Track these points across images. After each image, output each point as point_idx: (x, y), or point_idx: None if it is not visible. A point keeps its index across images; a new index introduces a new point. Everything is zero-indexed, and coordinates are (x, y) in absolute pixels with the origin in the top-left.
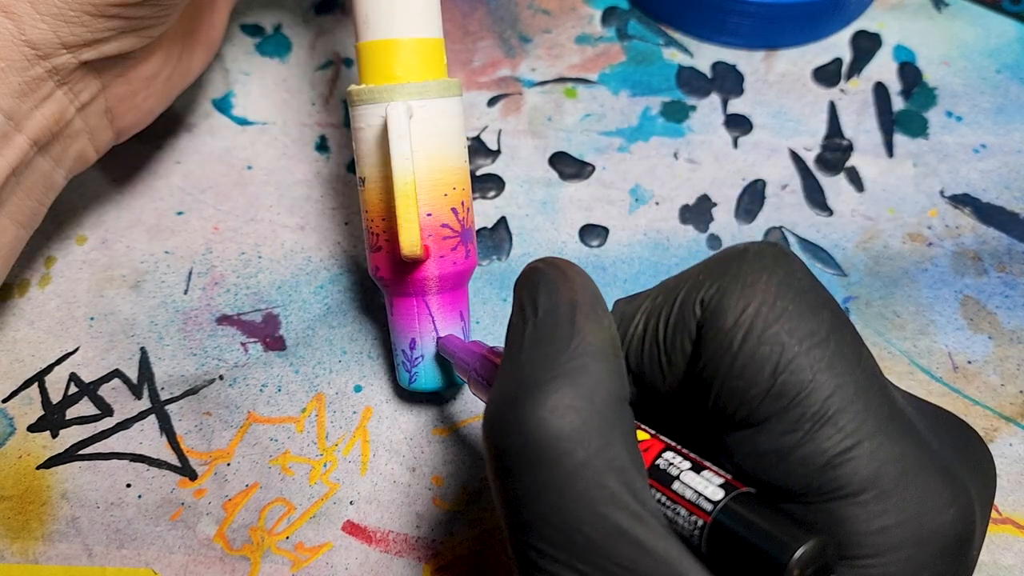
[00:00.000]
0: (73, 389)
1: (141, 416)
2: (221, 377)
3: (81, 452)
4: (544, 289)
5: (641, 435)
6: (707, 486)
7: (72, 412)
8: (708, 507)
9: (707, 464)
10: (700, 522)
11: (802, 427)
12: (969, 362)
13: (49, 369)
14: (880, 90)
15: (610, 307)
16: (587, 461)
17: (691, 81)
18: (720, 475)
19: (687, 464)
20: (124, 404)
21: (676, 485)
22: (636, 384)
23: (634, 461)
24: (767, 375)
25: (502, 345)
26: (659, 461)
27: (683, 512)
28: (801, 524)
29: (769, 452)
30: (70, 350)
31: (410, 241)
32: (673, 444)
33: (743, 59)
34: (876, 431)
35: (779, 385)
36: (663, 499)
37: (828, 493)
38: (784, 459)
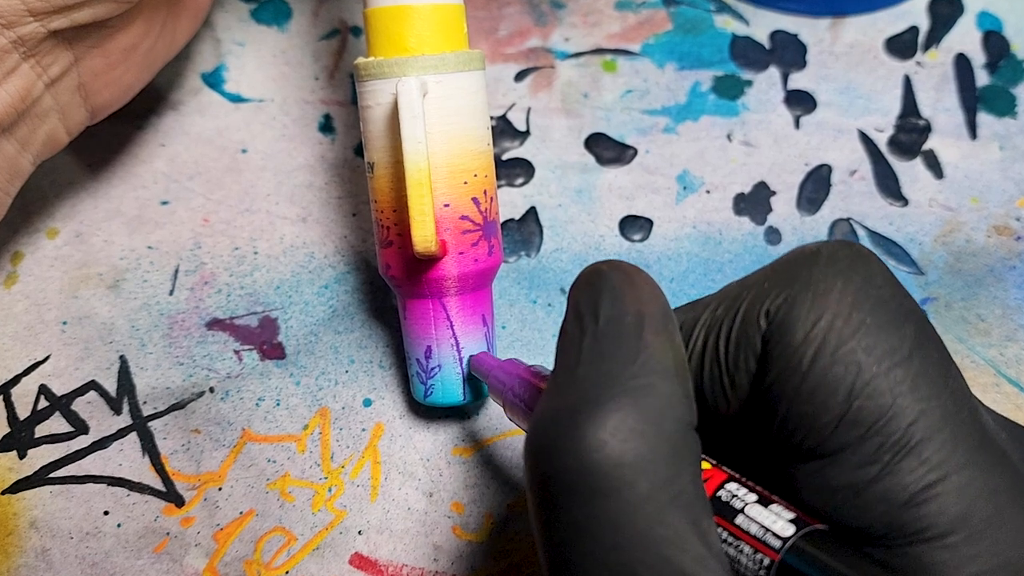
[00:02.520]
0: (43, 403)
1: (120, 434)
2: (212, 389)
3: (52, 475)
4: (608, 296)
5: (703, 464)
6: (776, 520)
7: (42, 429)
8: (776, 544)
9: (774, 498)
10: (767, 560)
11: (881, 459)
12: None
13: (16, 380)
14: (962, 63)
15: None
16: (651, 494)
17: (747, 52)
18: (790, 509)
19: (753, 497)
20: (101, 420)
21: (740, 519)
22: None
23: (700, 495)
24: (841, 399)
25: (541, 365)
26: (721, 492)
27: (747, 550)
28: (882, 566)
29: (843, 487)
30: (40, 359)
31: (424, 236)
32: (736, 475)
33: (806, 27)
34: (966, 463)
35: (855, 411)
36: (725, 535)
37: (911, 534)
38: (860, 495)
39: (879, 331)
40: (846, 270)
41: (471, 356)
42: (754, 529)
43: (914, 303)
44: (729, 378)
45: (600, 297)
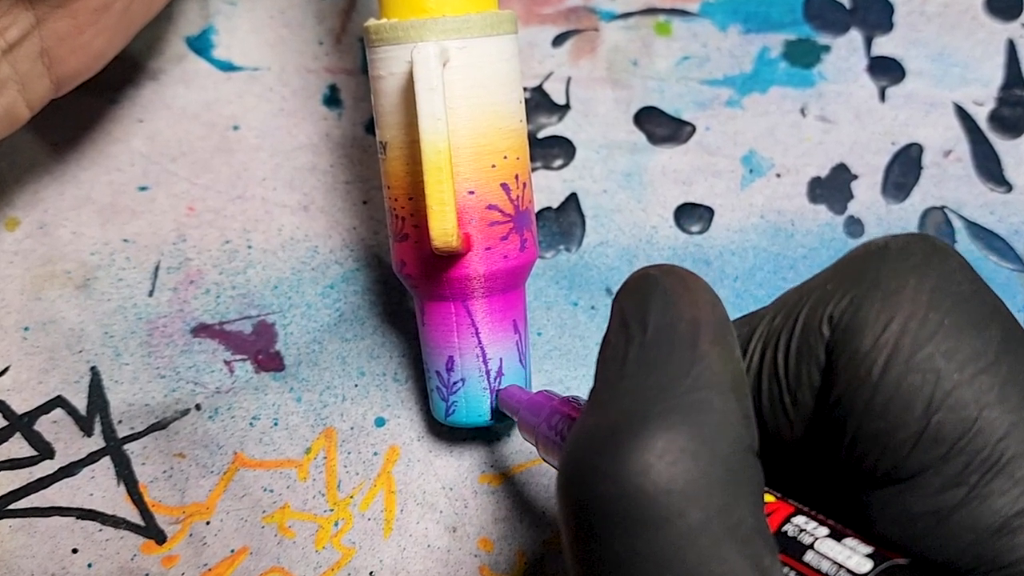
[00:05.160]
0: (1, 422)
1: (92, 459)
2: (198, 407)
3: (12, 507)
4: (658, 302)
5: (766, 497)
6: (850, 556)
7: (0, 453)
8: None
9: (848, 531)
10: None
11: (967, 480)
12: None
13: None
14: None
15: None
16: (704, 525)
17: (824, 12)
18: (866, 543)
19: (824, 531)
20: (69, 443)
21: (809, 556)
22: None
23: (761, 529)
24: (919, 413)
25: (577, 396)
26: (787, 527)
27: None
28: None
29: (924, 514)
30: None
31: (443, 229)
32: (805, 508)
33: None
34: None
35: (935, 425)
36: (792, 575)
37: (1005, 567)
38: (944, 523)
39: (960, 333)
40: (920, 265)
41: (499, 391)
42: (826, 566)
43: (999, 301)
44: (791, 396)
45: (649, 303)
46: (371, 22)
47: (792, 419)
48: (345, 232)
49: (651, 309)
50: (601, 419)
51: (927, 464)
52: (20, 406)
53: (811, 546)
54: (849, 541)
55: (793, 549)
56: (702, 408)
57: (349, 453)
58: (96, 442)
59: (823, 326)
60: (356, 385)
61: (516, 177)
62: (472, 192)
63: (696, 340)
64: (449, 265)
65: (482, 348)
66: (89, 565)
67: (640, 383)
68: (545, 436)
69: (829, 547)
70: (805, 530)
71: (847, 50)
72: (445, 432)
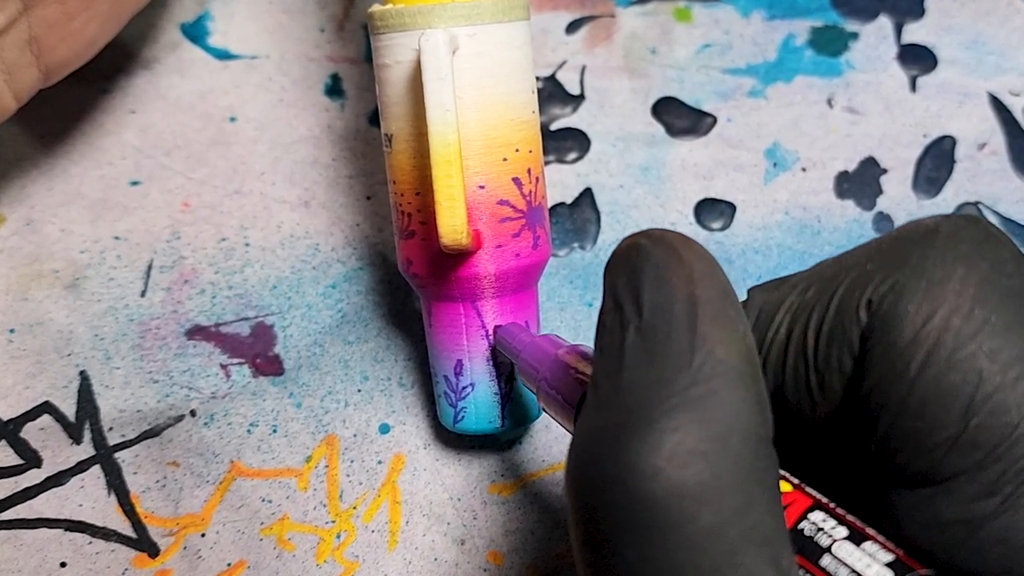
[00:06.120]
0: None
1: (81, 468)
2: (193, 413)
3: None
4: (650, 277)
5: (782, 485)
6: (870, 563)
7: None
8: None
9: (869, 532)
10: None
11: (1002, 489)
12: None
13: None
14: None
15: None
16: (719, 529)
17: None
18: (888, 549)
19: (842, 531)
20: (57, 451)
21: (826, 560)
22: (774, 408)
23: (779, 529)
24: (956, 415)
25: (586, 344)
26: (803, 524)
27: None
28: None
29: (955, 522)
30: None
31: (452, 225)
32: (823, 500)
33: None
34: None
35: (973, 429)
36: None
37: None
38: (976, 533)
39: (1007, 332)
40: (969, 254)
41: (496, 327)
42: (843, 574)
43: None
44: (818, 378)
45: (641, 279)
46: (376, 8)
47: (817, 401)
48: (348, 229)
49: (644, 286)
50: (605, 419)
51: (961, 469)
52: (5, 412)
53: (828, 549)
54: (868, 546)
55: (810, 550)
56: (709, 402)
57: (352, 462)
58: (85, 450)
59: (860, 310)
60: (359, 390)
61: (528, 171)
62: (482, 187)
63: (695, 321)
64: (458, 264)
65: (493, 351)
66: None
67: (641, 376)
68: (547, 393)
69: (847, 552)
70: (823, 529)
71: (876, 37)
72: (453, 439)
